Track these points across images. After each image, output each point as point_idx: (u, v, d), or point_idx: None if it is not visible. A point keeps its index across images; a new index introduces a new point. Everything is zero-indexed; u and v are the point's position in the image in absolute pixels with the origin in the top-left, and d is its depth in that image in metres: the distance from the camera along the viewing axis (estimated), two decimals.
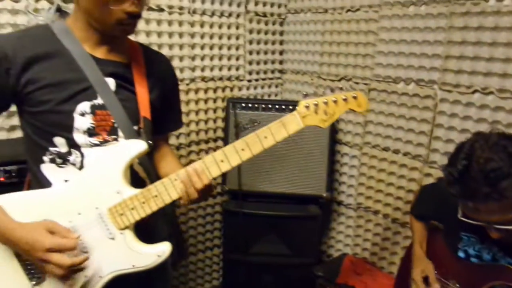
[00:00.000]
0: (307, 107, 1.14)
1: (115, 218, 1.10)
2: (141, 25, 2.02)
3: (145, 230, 1.16)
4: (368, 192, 2.29)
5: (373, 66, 2.17)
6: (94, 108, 1.13)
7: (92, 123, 1.13)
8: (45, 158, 1.13)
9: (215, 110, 2.43)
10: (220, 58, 2.39)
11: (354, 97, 1.18)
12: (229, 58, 2.43)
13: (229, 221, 2.26)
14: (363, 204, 2.32)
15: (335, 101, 1.16)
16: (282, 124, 1.12)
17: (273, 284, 2.26)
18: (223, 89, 2.44)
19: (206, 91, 2.36)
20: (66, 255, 1.01)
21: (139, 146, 1.13)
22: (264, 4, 2.52)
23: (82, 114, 1.12)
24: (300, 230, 2.22)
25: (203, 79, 2.34)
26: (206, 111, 2.39)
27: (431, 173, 1.98)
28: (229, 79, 2.46)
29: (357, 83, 2.27)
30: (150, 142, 1.19)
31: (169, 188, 1.11)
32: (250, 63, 2.54)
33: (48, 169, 1.14)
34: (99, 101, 1.13)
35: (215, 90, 2.40)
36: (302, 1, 2.53)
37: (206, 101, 2.37)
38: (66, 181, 1.13)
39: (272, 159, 2.21)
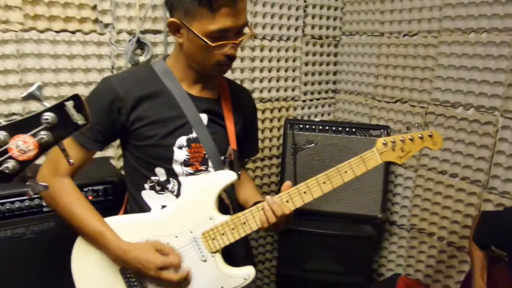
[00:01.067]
0: (385, 144, 1.22)
1: (208, 242, 1.21)
2: None
3: (225, 253, 1.27)
4: (422, 214, 2.31)
5: (431, 90, 2.20)
6: (189, 142, 1.25)
7: (188, 155, 1.25)
8: (146, 186, 1.27)
9: (271, 130, 2.53)
10: (278, 80, 2.49)
11: (430, 136, 1.26)
12: (285, 80, 2.52)
13: (285, 237, 2.34)
14: (417, 226, 2.35)
15: (411, 139, 1.24)
16: (362, 160, 1.21)
17: None
18: (279, 109, 2.54)
19: (263, 111, 2.46)
20: (172, 271, 1.14)
21: (230, 176, 1.24)
22: (320, 28, 2.60)
23: (180, 147, 1.24)
24: (354, 250, 2.27)
25: (261, 100, 2.45)
26: (263, 131, 2.49)
27: (490, 199, 1.99)
28: (285, 99, 2.55)
29: (413, 106, 2.30)
30: (239, 173, 1.29)
31: (256, 216, 1.21)
32: (305, 84, 2.63)
33: (148, 195, 1.27)
34: (193, 135, 1.25)
35: (271, 111, 2.50)
36: (358, 24, 2.59)
37: (263, 121, 2.48)
38: (163, 206, 1.26)
39: None
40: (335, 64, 2.76)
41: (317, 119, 2.70)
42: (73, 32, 1.81)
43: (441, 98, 2.16)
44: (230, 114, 1.35)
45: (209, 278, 1.22)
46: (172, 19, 1.16)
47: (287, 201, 1.20)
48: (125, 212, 1.37)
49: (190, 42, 1.17)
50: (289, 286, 2.39)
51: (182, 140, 1.24)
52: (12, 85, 1.71)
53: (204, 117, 1.28)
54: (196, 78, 1.27)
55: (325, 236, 2.28)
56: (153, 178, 1.26)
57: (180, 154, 1.24)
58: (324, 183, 1.20)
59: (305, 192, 1.20)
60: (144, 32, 1.96)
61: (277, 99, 2.52)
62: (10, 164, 0.64)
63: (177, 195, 1.26)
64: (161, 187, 1.26)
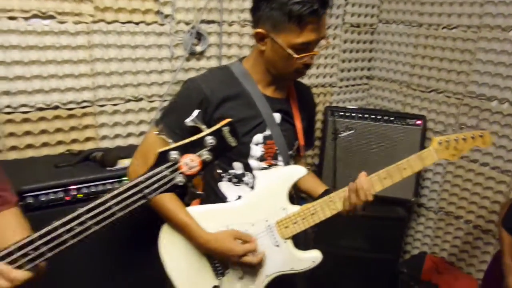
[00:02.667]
0: (440, 143, 1.36)
1: (281, 230, 1.37)
2: (245, 39, 2.25)
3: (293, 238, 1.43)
4: (451, 198, 2.47)
5: (467, 83, 2.31)
6: (265, 139, 1.38)
7: (263, 151, 1.39)
8: (224, 177, 1.41)
9: None
10: (318, 67, 2.59)
11: (481, 136, 1.39)
12: (325, 67, 2.62)
13: None
14: (445, 209, 2.51)
15: (464, 139, 1.37)
16: (420, 158, 1.35)
17: (357, 276, 2.53)
18: (318, 95, 2.65)
19: None
20: (251, 255, 1.30)
21: (301, 171, 1.38)
22: (359, 15, 2.67)
23: (256, 144, 1.37)
24: (385, 229, 2.45)
25: None
26: None
27: None
28: (323, 86, 2.66)
29: (448, 96, 2.42)
30: (308, 168, 1.44)
31: (325, 208, 1.36)
32: (342, 70, 2.73)
33: (225, 186, 1.42)
34: (267, 132, 1.38)
35: None
36: (396, 13, 2.66)
37: None
38: (239, 197, 1.41)
39: (364, 165, 2.43)
40: (370, 51, 2.84)
41: (355, 107, 2.81)
42: (137, 23, 1.91)
43: (477, 91, 2.27)
44: (298, 112, 1.48)
45: (281, 261, 1.38)
46: (259, 30, 1.27)
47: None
48: (202, 201, 1.52)
49: (273, 51, 1.28)
50: (324, 260, 2.58)
51: (258, 137, 1.37)
52: (83, 74, 1.83)
53: (277, 116, 1.41)
54: (271, 80, 1.39)
55: (359, 216, 2.44)
56: (230, 171, 1.40)
57: (256, 150, 1.38)
58: (385, 178, 1.35)
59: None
60: (200, 22, 2.05)
61: (316, 86, 2.63)
62: (180, 178, 0.79)
63: (252, 187, 1.40)
64: (238, 180, 1.40)
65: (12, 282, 0.77)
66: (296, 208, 1.37)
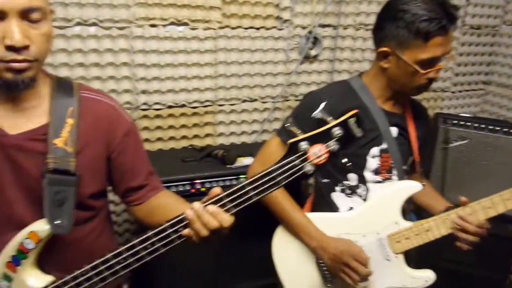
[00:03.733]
0: None
1: (392, 244, 1.37)
2: (358, 42, 2.23)
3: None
4: None
5: None
6: (381, 152, 1.39)
7: (378, 164, 1.40)
8: (337, 188, 1.45)
9: None
10: None
11: None
12: None
13: None
14: None
15: None
16: None
17: None
18: (428, 100, 2.56)
19: None
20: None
21: (416, 187, 1.37)
22: (481, 16, 2.50)
23: (373, 157, 1.39)
24: (494, 247, 2.31)
25: None
26: None
27: None
28: (434, 90, 2.56)
29: None
30: (424, 184, 1.42)
31: (440, 225, 1.34)
32: (457, 74, 2.59)
33: (337, 196, 1.45)
34: (384, 146, 1.39)
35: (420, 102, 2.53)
36: None
37: None
38: (351, 208, 1.44)
39: (477, 179, 2.30)
40: (490, 54, 2.65)
41: (469, 114, 2.66)
42: (258, 29, 2.01)
43: None
44: (413, 128, 1.46)
45: (391, 275, 1.39)
46: (384, 49, 1.29)
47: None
48: (312, 209, 1.57)
49: (398, 68, 1.29)
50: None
51: (375, 150, 1.39)
52: (208, 76, 1.99)
53: (393, 130, 1.41)
54: (391, 95, 1.39)
55: None
56: (345, 182, 1.43)
57: (372, 163, 1.39)
58: (489, 208, 1.31)
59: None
60: (316, 26, 2.09)
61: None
62: (309, 167, 0.86)
63: (365, 199, 1.42)
64: (351, 191, 1.43)
65: (220, 223, 0.87)
66: (409, 223, 1.37)
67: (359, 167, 1.40)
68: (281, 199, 1.40)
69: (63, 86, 1.02)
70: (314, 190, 1.57)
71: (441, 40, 1.22)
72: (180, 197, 1.16)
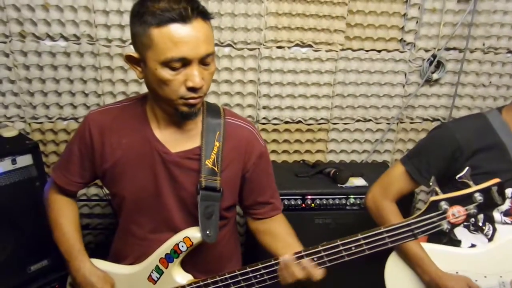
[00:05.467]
0: None
1: None
2: (485, 67, 2.11)
3: None
4: None
5: None
6: None
7: (510, 206, 1.34)
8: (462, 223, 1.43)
9: None
10: None
11: None
12: None
13: None
14: None
15: None
16: None
17: None
18: None
19: None
20: None
21: None
22: None
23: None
24: None
25: None
26: None
27: None
28: None
29: None
30: None
31: None
32: None
33: (460, 231, 1.43)
34: None
35: None
36: None
37: None
38: (473, 245, 1.40)
39: None
40: None
41: None
42: (379, 51, 2.03)
43: None
44: None
45: None
46: None
47: None
48: (429, 238, 1.55)
49: None
50: None
51: (508, 191, 1.33)
52: (325, 95, 2.07)
53: None
54: None
55: None
56: (471, 219, 1.40)
57: (504, 205, 1.34)
58: None
59: None
60: (440, 49, 2.04)
61: None
62: (446, 225, 0.92)
63: (490, 239, 1.38)
64: (476, 228, 1.40)
65: (311, 277, 0.99)
66: None
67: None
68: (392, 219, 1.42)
69: (212, 112, 1.18)
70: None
71: None
72: (290, 229, 1.26)
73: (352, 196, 1.85)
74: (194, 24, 0.94)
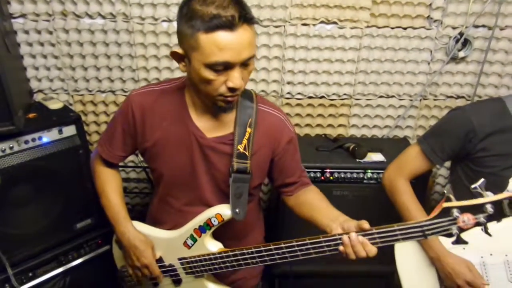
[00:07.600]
0: None
1: None
2: (501, 43, 2.07)
3: None
4: None
5: None
6: None
7: None
8: None
9: None
10: None
11: None
12: None
13: None
14: None
15: None
16: None
17: None
18: None
19: None
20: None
21: None
22: None
23: None
24: None
25: None
26: None
27: None
28: None
29: None
30: None
31: None
32: None
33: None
34: None
35: None
36: None
37: None
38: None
39: None
40: None
41: None
42: (405, 28, 2.03)
43: None
44: None
45: None
46: None
47: None
48: None
49: None
50: None
51: None
52: (349, 71, 2.11)
53: None
54: None
55: None
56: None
57: None
58: None
59: None
60: (468, 27, 2.02)
61: None
62: (455, 230, 0.99)
63: (498, 220, 1.44)
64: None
65: (367, 253, 1.05)
66: None
67: (498, 187, 1.40)
68: (409, 204, 1.50)
69: (246, 98, 1.26)
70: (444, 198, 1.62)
71: None
72: (323, 196, 1.36)
73: (369, 171, 1.93)
74: (240, 30, 0.99)
